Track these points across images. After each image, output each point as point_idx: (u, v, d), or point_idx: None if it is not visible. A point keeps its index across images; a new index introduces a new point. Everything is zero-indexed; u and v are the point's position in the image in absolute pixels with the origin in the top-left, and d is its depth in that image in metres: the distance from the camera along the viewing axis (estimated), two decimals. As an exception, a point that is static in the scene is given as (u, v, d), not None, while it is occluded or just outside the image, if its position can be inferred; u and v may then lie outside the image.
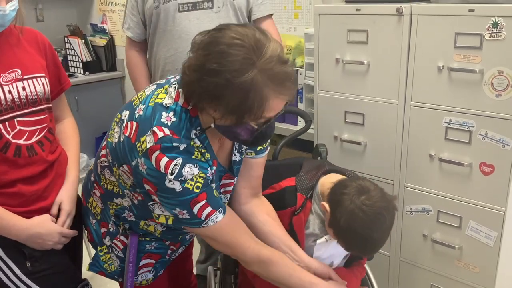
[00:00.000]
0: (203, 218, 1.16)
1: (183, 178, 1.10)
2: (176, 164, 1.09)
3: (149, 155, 1.09)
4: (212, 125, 1.12)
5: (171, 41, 1.95)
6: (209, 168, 1.16)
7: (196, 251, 2.53)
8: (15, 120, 1.31)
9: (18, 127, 1.32)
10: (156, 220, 1.30)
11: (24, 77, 1.34)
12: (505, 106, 1.56)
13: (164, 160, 1.09)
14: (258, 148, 1.38)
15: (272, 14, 2.07)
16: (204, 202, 1.15)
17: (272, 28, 2.05)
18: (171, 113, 1.13)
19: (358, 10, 1.85)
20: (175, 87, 1.18)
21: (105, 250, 1.42)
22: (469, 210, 1.72)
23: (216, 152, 1.23)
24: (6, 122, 1.29)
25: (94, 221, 1.44)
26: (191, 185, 1.11)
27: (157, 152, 1.09)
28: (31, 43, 1.41)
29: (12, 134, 1.30)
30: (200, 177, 1.13)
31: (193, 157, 1.12)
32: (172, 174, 1.09)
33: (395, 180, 1.88)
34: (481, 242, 1.71)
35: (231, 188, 1.36)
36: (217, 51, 1.02)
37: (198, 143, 1.15)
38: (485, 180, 1.66)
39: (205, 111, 1.10)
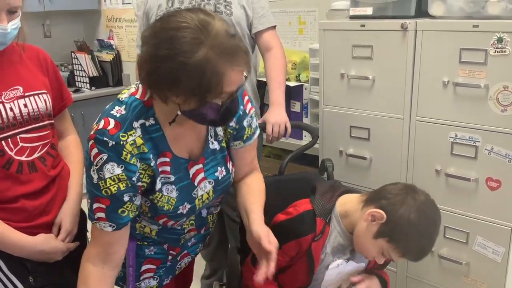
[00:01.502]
0: (95, 217, 1.21)
1: (102, 174, 1.15)
2: (101, 159, 1.14)
3: (88, 141, 1.17)
4: (179, 113, 1.13)
5: None
6: (137, 171, 1.17)
7: (201, 267, 2.53)
8: (18, 137, 1.33)
9: (21, 144, 1.33)
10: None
11: (26, 94, 1.35)
12: (510, 121, 1.56)
13: (94, 150, 1.15)
14: (245, 136, 1.38)
15: (274, 26, 2.08)
16: (104, 207, 1.18)
17: (275, 39, 2.06)
18: (123, 107, 1.19)
19: (362, 26, 1.86)
20: (137, 84, 1.23)
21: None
22: (476, 226, 1.71)
23: (175, 142, 1.24)
24: (9, 139, 1.30)
25: None
26: (103, 185, 1.15)
27: (91, 142, 1.16)
28: (32, 60, 1.42)
29: (15, 151, 1.32)
30: (118, 180, 1.15)
31: (121, 157, 1.15)
32: (96, 165, 1.15)
33: (401, 195, 1.87)
34: (489, 257, 1.70)
35: (209, 174, 1.32)
36: (166, 37, 1.05)
37: (139, 135, 1.17)
38: (492, 195, 1.65)
39: (169, 100, 1.11)
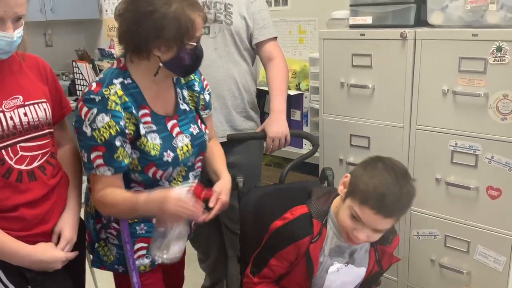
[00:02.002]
0: (94, 165, 1.36)
1: (95, 125, 1.33)
2: (92, 113, 1.33)
3: (77, 106, 1.36)
4: (161, 64, 1.37)
5: None
6: (123, 119, 1.35)
7: (201, 277, 2.51)
8: (18, 145, 1.32)
9: (21, 153, 1.33)
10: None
11: (26, 103, 1.35)
12: (510, 130, 1.56)
13: (85, 109, 1.34)
14: (211, 106, 1.67)
15: (276, 37, 2.09)
16: (100, 153, 1.35)
17: (276, 50, 2.07)
18: (102, 75, 1.42)
19: (362, 35, 1.87)
20: (113, 62, 1.47)
21: (103, 244, 1.53)
22: (477, 235, 1.70)
23: (152, 100, 1.43)
24: (9, 148, 1.30)
25: (92, 221, 1.53)
26: (98, 133, 1.33)
27: (81, 103, 1.35)
28: (32, 69, 1.42)
29: (14, 159, 1.31)
30: (109, 127, 1.33)
31: (108, 107, 1.33)
32: (88, 120, 1.33)
33: (402, 204, 1.87)
34: (490, 267, 1.69)
35: (184, 129, 1.51)
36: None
37: (118, 89, 1.36)
38: (492, 204, 1.65)
39: (151, 54, 1.35)
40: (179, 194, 1.34)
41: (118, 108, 1.34)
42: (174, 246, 1.39)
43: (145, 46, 1.34)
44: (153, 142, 1.41)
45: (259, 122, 2.24)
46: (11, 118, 1.30)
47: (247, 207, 1.75)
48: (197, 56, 1.42)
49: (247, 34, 2.04)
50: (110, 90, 1.35)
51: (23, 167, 1.33)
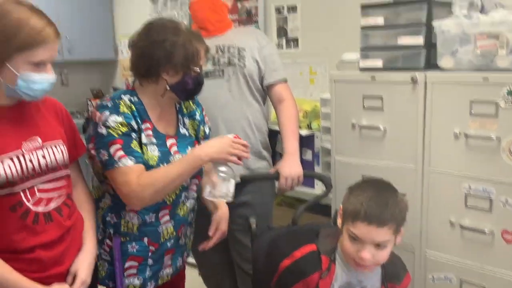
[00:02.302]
0: (116, 158, 1.47)
1: (108, 124, 1.47)
2: (105, 115, 1.48)
3: (91, 117, 1.53)
4: (167, 87, 1.55)
5: None
6: (132, 120, 1.51)
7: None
8: (35, 187, 1.34)
9: (38, 195, 1.35)
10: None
11: (44, 144, 1.37)
12: (524, 173, 1.55)
13: (98, 114, 1.50)
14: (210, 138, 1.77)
15: (286, 80, 2.13)
16: (119, 146, 1.47)
17: (286, 92, 2.11)
18: (112, 93, 1.60)
19: (373, 77, 1.90)
20: (128, 84, 1.68)
21: (96, 260, 1.59)
22: (492, 279, 1.67)
23: (155, 119, 1.59)
24: (27, 190, 1.32)
25: None
26: (113, 130, 1.47)
27: (94, 111, 1.52)
28: (49, 111, 1.46)
29: (32, 201, 1.33)
30: (122, 125, 1.48)
31: (119, 110, 1.50)
32: (102, 121, 1.48)
33: (416, 247, 1.85)
34: (508, 313, 1.65)
35: (180, 150, 1.63)
36: (156, 30, 1.54)
37: (127, 101, 1.53)
38: (508, 248, 1.62)
39: (160, 77, 1.54)
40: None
41: (128, 111, 1.51)
42: (220, 185, 1.55)
43: (155, 70, 1.53)
44: (152, 153, 1.54)
45: (271, 161, 2.25)
46: (30, 160, 1.33)
47: (260, 248, 1.75)
48: (199, 82, 1.61)
49: (259, 76, 2.09)
50: (120, 100, 1.53)
51: (40, 208, 1.34)
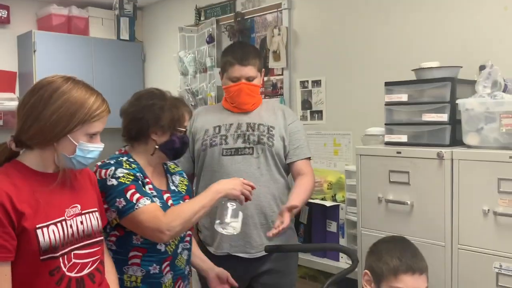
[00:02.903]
0: (134, 201, 1.57)
1: (117, 175, 1.61)
2: (111, 170, 1.62)
3: (96, 173, 1.63)
4: (156, 146, 1.71)
5: (216, 178, 2.08)
6: (137, 172, 1.66)
7: None
8: (72, 253, 1.37)
9: (73, 260, 1.38)
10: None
11: (83, 212, 1.43)
12: (558, 253, 1.52)
13: (103, 171, 1.63)
14: None
15: (309, 158, 2.16)
16: (133, 190, 1.60)
17: (307, 167, 2.14)
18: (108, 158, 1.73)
19: (398, 152, 1.93)
20: (120, 149, 1.78)
21: None
22: None
23: (150, 177, 1.72)
24: (65, 255, 1.35)
25: None
26: (123, 179, 1.61)
27: (97, 169, 1.64)
28: (85, 179, 1.52)
29: (67, 266, 1.36)
30: (129, 175, 1.63)
31: (123, 167, 1.64)
32: (109, 175, 1.61)
33: (447, 328, 1.79)
34: None
35: (175, 203, 1.75)
36: (145, 97, 1.73)
37: (126, 160, 1.67)
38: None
39: (149, 138, 1.70)
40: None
41: (130, 167, 1.66)
42: (230, 219, 1.69)
43: (145, 131, 1.69)
44: (157, 203, 1.66)
45: (295, 231, 2.25)
46: (71, 226, 1.38)
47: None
48: (184, 142, 1.77)
49: (284, 153, 2.14)
50: (120, 159, 1.67)
51: (73, 274, 1.37)
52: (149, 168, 1.74)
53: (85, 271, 1.40)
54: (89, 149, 1.38)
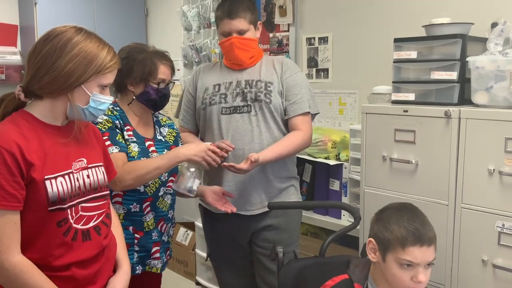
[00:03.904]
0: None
1: (96, 121, 1.75)
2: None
3: None
4: (134, 97, 1.87)
5: (217, 138, 2.09)
6: (118, 119, 1.84)
7: None
8: (79, 206, 1.39)
9: (80, 213, 1.40)
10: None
11: (89, 166, 1.44)
12: (562, 214, 1.52)
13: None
14: None
15: (307, 112, 2.10)
16: (106, 137, 1.75)
17: (302, 124, 2.09)
18: None
19: (405, 111, 1.90)
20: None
21: None
22: (528, 323, 1.62)
23: (134, 124, 1.89)
24: (73, 208, 1.37)
25: None
26: (100, 125, 1.77)
27: None
28: (90, 135, 1.53)
29: (74, 218, 1.38)
30: (107, 121, 1.80)
31: (106, 113, 1.82)
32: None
33: (446, 286, 1.81)
34: None
35: (158, 150, 1.91)
36: (123, 50, 1.90)
37: (109, 107, 1.81)
38: (544, 291, 1.58)
39: (127, 89, 1.88)
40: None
41: (111, 114, 1.83)
42: (187, 181, 1.86)
43: (122, 82, 1.85)
44: (133, 148, 1.83)
45: (298, 187, 2.26)
46: (77, 179, 1.39)
47: (287, 279, 1.73)
48: (164, 95, 1.89)
49: (283, 108, 2.10)
50: (109, 110, 1.84)
51: (79, 226, 1.39)
52: (134, 117, 1.91)
53: (91, 224, 1.42)
54: (101, 100, 1.39)
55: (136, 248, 1.86)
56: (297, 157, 2.33)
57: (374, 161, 2.02)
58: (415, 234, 1.41)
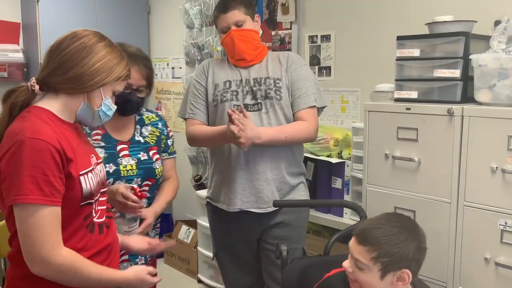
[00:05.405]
0: None
1: None
2: None
3: None
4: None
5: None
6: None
7: None
8: (98, 200, 1.44)
9: (98, 207, 1.44)
10: None
11: (98, 161, 1.49)
12: None
13: None
14: (170, 151, 2.07)
15: (313, 106, 2.10)
16: None
17: (308, 117, 2.08)
18: None
19: (408, 109, 1.90)
20: None
21: None
22: (530, 321, 1.62)
23: (109, 126, 1.87)
24: (96, 202, 1.42)
25: None
26: None
27: None
28: (84, 135, 1.57)
29: (96, 212, 1.43)
30: None
31: None
32: None
33: (448, 284, 1.81)
34: None
35: (132, 154, 1.91)
36: None
37: None
38: (547, 289, 1.57)
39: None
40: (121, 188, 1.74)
41: None
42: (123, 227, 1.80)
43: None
44: (99, 154, 1.74)
45: (306, 184, 2.26)
46: (97, 175, 1.44)
47: (291, 277, 1.74)
48: (127, 100, 1.84)
49: (290, 103, 2.10)
50: None
51: (96, 219, 1.43)
52: (111, 120, 1.77)
53: (104, 217, 1.47)
54: (110, 106, 1.43)
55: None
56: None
57: (376, 159, 2.02)
58: (359, 228, 1.45)
